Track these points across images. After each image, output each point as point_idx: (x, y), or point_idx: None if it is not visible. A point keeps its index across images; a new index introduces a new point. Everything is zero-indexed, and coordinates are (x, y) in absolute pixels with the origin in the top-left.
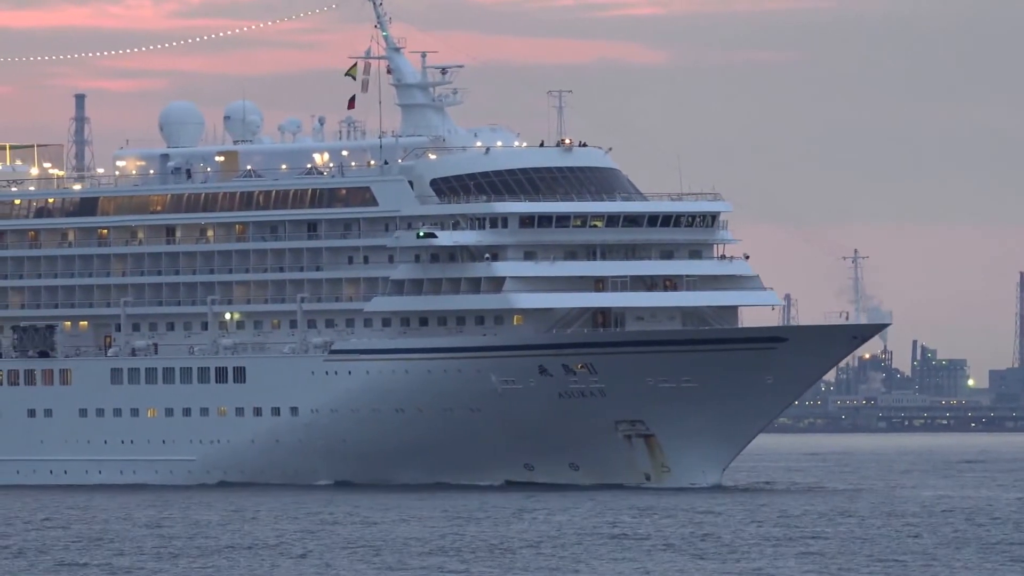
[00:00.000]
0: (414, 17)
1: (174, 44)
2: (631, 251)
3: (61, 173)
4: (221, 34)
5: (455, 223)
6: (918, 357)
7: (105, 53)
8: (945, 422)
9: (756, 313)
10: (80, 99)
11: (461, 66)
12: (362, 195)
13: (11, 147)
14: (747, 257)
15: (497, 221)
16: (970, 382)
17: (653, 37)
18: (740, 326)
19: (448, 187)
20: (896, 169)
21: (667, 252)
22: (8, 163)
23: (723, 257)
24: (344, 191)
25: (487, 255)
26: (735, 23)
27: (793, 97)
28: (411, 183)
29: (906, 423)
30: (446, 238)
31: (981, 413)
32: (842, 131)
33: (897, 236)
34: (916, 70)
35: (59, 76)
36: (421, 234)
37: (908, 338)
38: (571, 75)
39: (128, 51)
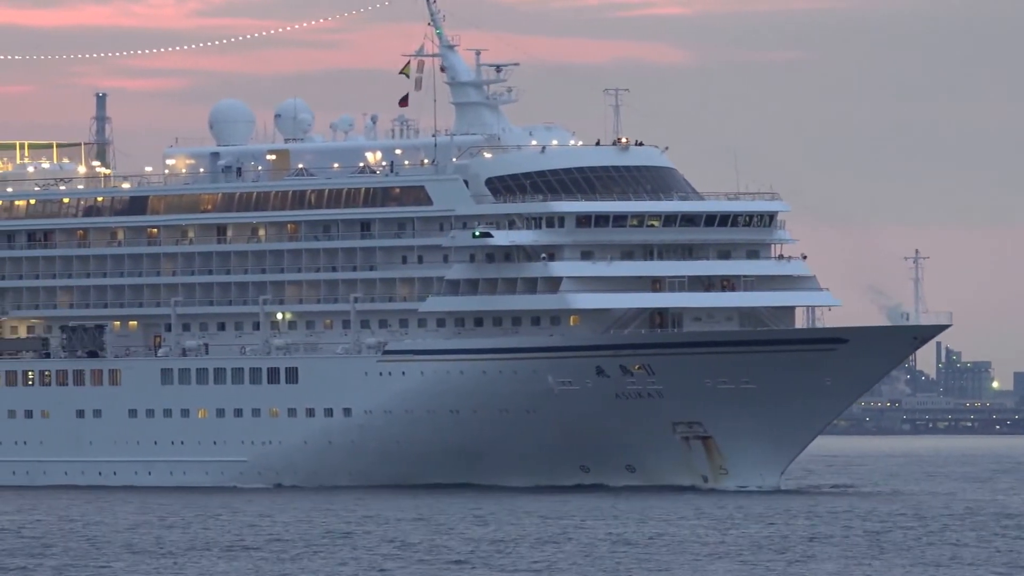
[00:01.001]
0: (449, 16)
1: (201, 45)
2: (688, 251)
3: (108, 171)
4: (249, 36)
5: (511, 222)
6: (943, 359)
7: (127, 53)
8: (970, 424)
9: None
10: (101, 98)
11: (516, 64)
12: (416, 194)
13: (58, 145)
14: (804, 257)
15: (553, 221)
16: (995, 384)
17: (678, 36)
18: (795, 327)
19: (504, 186)
20: (904, 169)
21: (724, 252)
22: (55, 161)
23: (781, 257)
24: (398, 190)
25: (543, 255)
26: (758, 23)
27: (797, 98)
28: (466, 182)
29: (930, 425)
30: (502, 238)
31: (1006, 415)
32: (846, 132)
33: (913, 237)
34: (927, 69)
35: (81, 75)
36: (477, 234)
37: (932, 340)
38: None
39: (150, 51)
